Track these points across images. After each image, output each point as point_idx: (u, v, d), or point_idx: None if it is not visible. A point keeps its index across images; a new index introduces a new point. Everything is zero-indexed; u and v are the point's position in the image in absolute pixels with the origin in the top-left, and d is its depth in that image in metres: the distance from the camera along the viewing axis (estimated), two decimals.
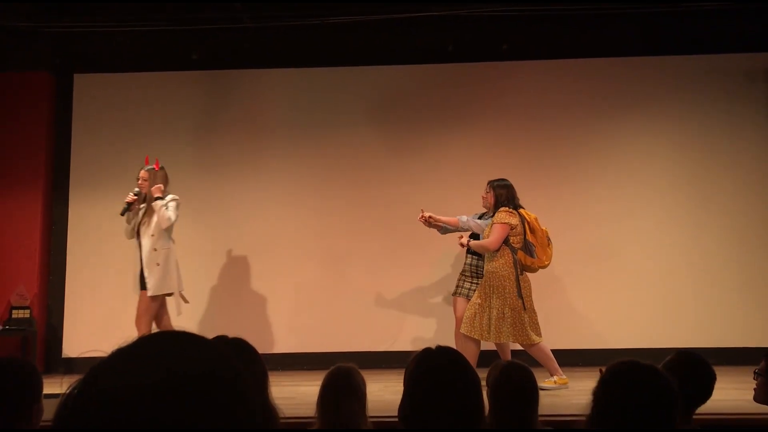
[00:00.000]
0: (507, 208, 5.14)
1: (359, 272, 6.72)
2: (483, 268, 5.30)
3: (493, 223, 5.13)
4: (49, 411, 2.17)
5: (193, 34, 6.63)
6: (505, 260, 5.07)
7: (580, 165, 6.77)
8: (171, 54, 6.95)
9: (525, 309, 5.01)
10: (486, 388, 2.33)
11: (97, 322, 6.72)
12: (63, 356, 6.70)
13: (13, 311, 6.47)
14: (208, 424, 0.67)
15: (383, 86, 6.95)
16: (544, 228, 5.26)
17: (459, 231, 5.55)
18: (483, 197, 5.50)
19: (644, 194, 6.68)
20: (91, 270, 6.82)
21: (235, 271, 6.77)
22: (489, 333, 5.02)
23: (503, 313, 5.00)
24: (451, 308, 5.67)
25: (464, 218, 5.46)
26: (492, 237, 5.06)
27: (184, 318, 6.65)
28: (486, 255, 5.18)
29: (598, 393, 1.80)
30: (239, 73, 7.02)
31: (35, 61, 6.92)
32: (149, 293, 5.41)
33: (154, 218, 5.47)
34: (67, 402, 0.69)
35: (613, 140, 6.78)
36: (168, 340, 0.74)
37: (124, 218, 5.61)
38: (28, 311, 6.51)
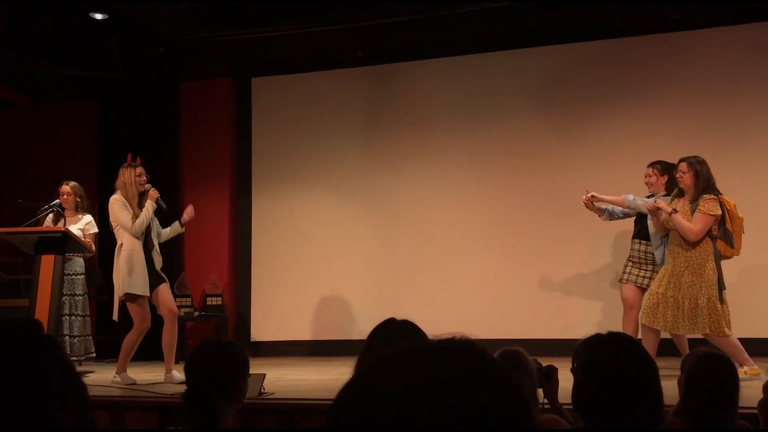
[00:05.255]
0: (712, 196, 4.83)
1: (525, 258, 6.64)
2: (652, 254, 5.11)
3: (698, 211, 4.83)
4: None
5: (357, 32, 6.87)
6: (703, 248, 4.80)
7: None
8: (337, 53, 7.25)
9: (722, 301, 4.74)
10: (682, 375, 2.25)
11: (281, 308, 7.22)
12: (251, 340, 7.27)
13: (208, 299, 7.13)
14: (477, 425, 0.67)
15: (545, 68, 6.78)
16: (740, 215, 4.93)
17: (624, 217, 5.34)
18: (647, 182, 5.27)
19: None
20: (274, 260, 7.33)
21: (403, 258, 6.95)
22: (675, 324, 4.77)
23: (697, 304, 4.74)
24: (615, 294, 5.45)
25: (630, 197, 5.20)
26: (697, 227, 4.78)
27: (356, 303, 6.95)
28: (680, 241, 4.89)
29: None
30: (402, 66, 7.18)
31: (218, 68, 7.55)
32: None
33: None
34: (341, 399, 0.71)
35: None
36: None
37: (145, 213, 5.12)
38: (219, 299, 7.15)
